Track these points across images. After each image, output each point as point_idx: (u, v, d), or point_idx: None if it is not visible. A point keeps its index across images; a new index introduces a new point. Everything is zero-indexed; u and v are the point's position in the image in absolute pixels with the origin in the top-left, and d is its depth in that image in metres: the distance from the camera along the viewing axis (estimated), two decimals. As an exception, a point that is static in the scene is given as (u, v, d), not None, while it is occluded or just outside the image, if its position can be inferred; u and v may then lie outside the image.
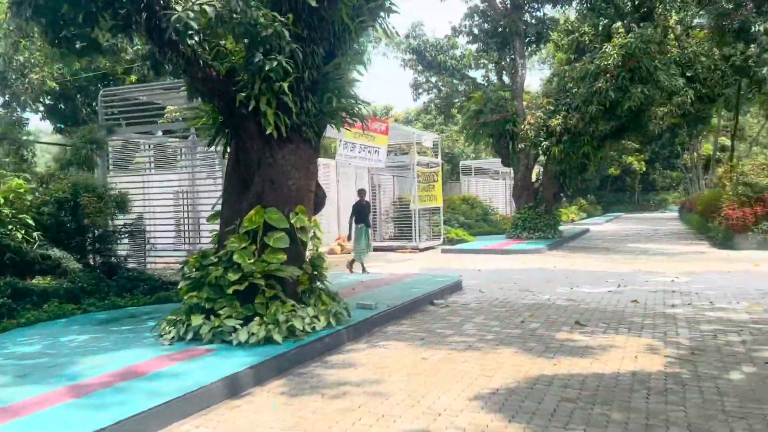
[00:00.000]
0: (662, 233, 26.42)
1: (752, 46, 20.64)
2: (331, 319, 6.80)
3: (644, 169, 57.07)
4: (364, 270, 12.81)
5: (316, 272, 7.03)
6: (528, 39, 23.87)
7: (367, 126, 12.23)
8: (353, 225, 12.87)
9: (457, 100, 27.16)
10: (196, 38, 5.98)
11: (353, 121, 7.91)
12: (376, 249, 20.35)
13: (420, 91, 27.80)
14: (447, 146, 44.30)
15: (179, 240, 13.21)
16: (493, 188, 35.89)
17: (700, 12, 23.71)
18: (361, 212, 12.93)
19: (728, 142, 45.75)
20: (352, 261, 13.02)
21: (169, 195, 13.35)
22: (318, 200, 7.52)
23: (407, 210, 20.56)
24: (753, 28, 21.26)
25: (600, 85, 17.87)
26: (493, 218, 28.78)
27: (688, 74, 19.35)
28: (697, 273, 12.31)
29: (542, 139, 20.97)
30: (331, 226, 19.96)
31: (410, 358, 6.14)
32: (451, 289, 10.32)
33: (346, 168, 20.47)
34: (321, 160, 20.88)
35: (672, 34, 18.85)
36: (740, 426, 4.12)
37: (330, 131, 17.45)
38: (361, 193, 13.68)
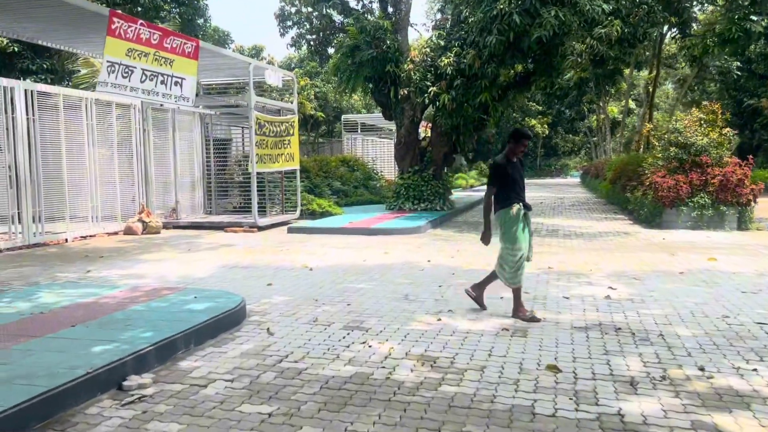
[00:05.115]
0: (568, 203, 22.70)
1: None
2: None
3: (547, 132, 54.51)
4: (520, 311, 5.82)
5: None
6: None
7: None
8: (492, 205, 5.94)
9: (336, 36, 21.83)
10: None
11: None
12: (196, 227, 14.95)
13: (288, 23, 22.16)
14: (334, 98, 38.90)
15: None
16: (382, 148, 31.18)
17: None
18: (508, 179, 5.85)
19: (633, 105, 43.46)
20: (484, 280, 6.20)
21: None
22: None
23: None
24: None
25: (502, 6, 13.21)
26: (377, 184, 24.06)
27: (609, 7, 15.05)
28: (637, 276, 7.97)
29: (429, 83, 16.25)
30: (124, 193, 14.35)
31: None
32: (209, 332, 5.27)
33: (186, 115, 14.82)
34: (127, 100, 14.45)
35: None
36: None
37: (83, 44, 11.58)
38: (519, 136, 5.85)
